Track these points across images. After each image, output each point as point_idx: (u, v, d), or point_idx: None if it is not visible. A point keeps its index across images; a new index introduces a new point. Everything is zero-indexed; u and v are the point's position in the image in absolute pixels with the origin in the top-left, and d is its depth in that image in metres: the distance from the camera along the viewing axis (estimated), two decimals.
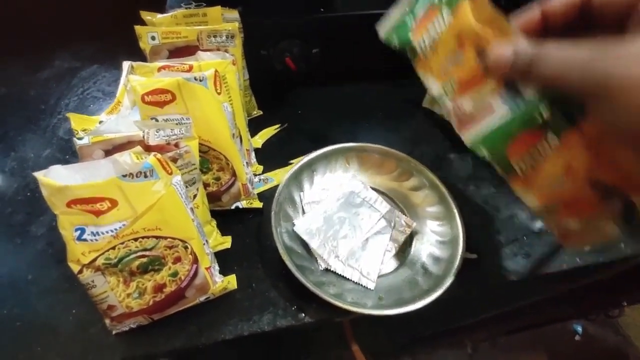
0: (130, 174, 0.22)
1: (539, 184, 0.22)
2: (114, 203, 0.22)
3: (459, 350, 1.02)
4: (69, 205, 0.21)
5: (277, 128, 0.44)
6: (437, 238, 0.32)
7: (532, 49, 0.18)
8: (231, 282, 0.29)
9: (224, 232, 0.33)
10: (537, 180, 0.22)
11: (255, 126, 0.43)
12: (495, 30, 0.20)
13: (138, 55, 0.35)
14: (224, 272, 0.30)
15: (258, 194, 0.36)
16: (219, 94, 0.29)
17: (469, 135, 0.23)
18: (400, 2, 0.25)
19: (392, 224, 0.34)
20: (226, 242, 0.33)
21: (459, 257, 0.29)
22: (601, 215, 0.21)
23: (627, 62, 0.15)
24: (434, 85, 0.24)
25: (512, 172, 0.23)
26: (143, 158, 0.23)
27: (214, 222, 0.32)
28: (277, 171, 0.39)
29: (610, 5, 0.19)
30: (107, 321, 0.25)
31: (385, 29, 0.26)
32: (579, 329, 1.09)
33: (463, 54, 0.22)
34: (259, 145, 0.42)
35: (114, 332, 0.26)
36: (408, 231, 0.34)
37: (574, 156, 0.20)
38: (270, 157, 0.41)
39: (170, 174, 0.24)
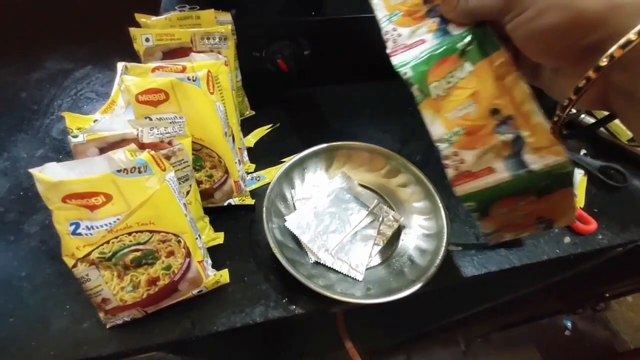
0: (125, 169, 0.22)
1: (447, 107, 0.24)
2: (108, 198, 0.22)
3: (453, 347, 1.04)
4: (64, 200, 0.22)
5: (269, 127, 0.45)
6: (423, 231, 0.34)
7: None
8: (224, 276, 0.30)
9: (216, 228, 0.34)
10: (446, 105, 0.24)
11: (248, 126, 0.44)
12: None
13: (131, 56, 0.36)
14: (216, 266, 0.31)
15: (250, 191, 0.37)
16: (211, 93, 0.30)
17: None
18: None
19: (380, 219, 0.35)
20: (219, 238, 0.33)
21: (443, 249, 0.30)
22: (493, 147, 0.23)
23: None
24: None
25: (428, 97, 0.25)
26: (137, 155, 0.24)
27: (207, 219, 0.33)
28: (269, 169, 0.40)
29: None
30: (102, 314, 0.26)
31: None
32: (569, 324, 1.11)
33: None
34: (252, 144, 0.43)
35: (108, 326, 0.27)
36: (395, 225, 0.35)
37: (482, 83, 0.23)
38: (263, 155, 0.42)
39: (164, 170, 0.25)
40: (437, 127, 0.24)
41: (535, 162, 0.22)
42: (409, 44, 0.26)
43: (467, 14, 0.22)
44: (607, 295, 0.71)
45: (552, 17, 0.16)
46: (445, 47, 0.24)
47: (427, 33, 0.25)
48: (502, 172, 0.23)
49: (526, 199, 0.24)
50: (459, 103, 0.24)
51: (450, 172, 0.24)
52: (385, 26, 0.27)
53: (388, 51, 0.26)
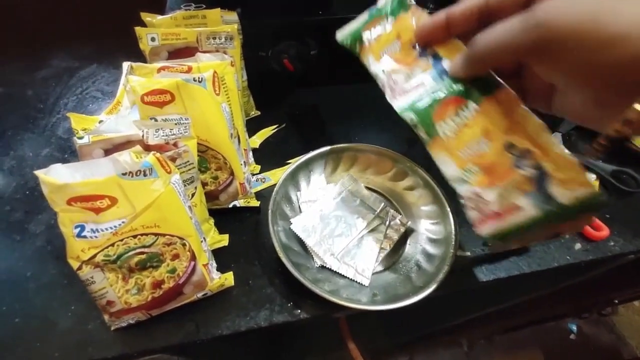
0: (130, 172, 0.22)
1: (458, 146, 0.24)
2: (113, 201, 0.22)
3: (456, 348, 1.03)
4: (69, 202, 0.21)
5: (275, 128, 0.45)
6: (430, 236, 0.33)
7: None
8: (228, 279, 0.30)
9: (221, 231, 0.34)
10: (456, 143, 0.24)
11: (253, 126, 0.44)
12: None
13: (137, 55, 0.36)
14: (221, 269, 0.30)
15: (255, 193, 0.37)
16: (217, 94, 0.29)
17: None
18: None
19: (387, 223, 0.34)
20: (224, 240, 0.33)
21: (451, 254, 0.30)
22: (514, 182, 0.22)
23: (555, 5, 0.16)
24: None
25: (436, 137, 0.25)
26: (142, 157, 0.24)
27: (211, 221, 0.33)
28: (274, 171, 0.40)
29: (506, 6, 0.20)
30: (106, 317, 0.26)
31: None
32: (574, 327, 1.10)
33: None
34: (257, 145, 0.43)
35: (112, 328, 0.27)
36: (402, 230, 0.34)
37: (492, 120, 0.23)
38: (268, 157, 0.41)
39: (169, 172, 0.24)
40: (449, 167, 0.24)
41: (564, 195, 0.20)
42: (408, 89, 0.26)
43: (478, 61, 0.21)
44: (616, 301, 0.70)
45: (620, 52, 0.15)
46: (445, 89, 0.24)
47: (422, 73, 0.26)
48: (530, 209, 0.21)
49: (551, 226, 0.23)
50: (470, 141, 0.23)
51: (472, 214, 0.23)
52: (380, 77, 0.28)
53: (387, 98, 0.27)
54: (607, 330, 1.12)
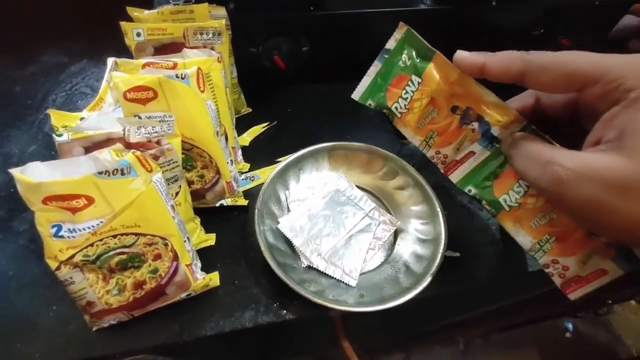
0: (107, 171, 0.22)
1: (528, 217, 0.25)
2: (90, 200, 0.22)
3: (452, 347, 1.03)
4: (44, 202, 0.21)
5: (266, 126, 0.44)
6: (419, 236, 0.33)
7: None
8: (213, 279, 0.29)
9: (208, 230, 0.33)
10: (526, 214, 0.25)
11: (244, 124, 0.43)
12: (462, 88, 0.26)
13: (127, 51, 0.35)
14: (207, 269, 0.30)
15: (245, 191, 0.36)
16: (202, 91, 0.29)
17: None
18: (369, 73, 0.29)
19: (376, 223, 0.34)
20: (210, 240, 0.33)
21: (439, 255, 0.29)
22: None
23: (576, 183, 0.17)
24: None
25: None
26: (123, 155, 0.23)
27: (197, 220, 0.32)
28: (264, 169, 0.39)
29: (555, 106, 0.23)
30: (87, 317, 0.25)
31: (360, 94, 0.30)
32: (570, 326, 1.10)
33: (437, 112, 0.27)
34: (247, 143, 0.42)
35: (94, 329, 0.26)
36: (392, 229, 0.34)
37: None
38: (258, 155, 0.41)
39: (150, 171, 0.24)
40: (523, 238, 0.25)
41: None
42: (459, 159, 0.27)
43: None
44: (610, 301, 0.70)
45: None
46: (498, 161, 0.26)
47: (472, 144, 0.26)
48: (616, 271, 0.22)
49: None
50: (537, 211, 0.24)
51: (556, 280, 0.25)
52: (427, 152, 0.29)
53: (442, 172, 0.29)
54: (604, 329, 1.12)
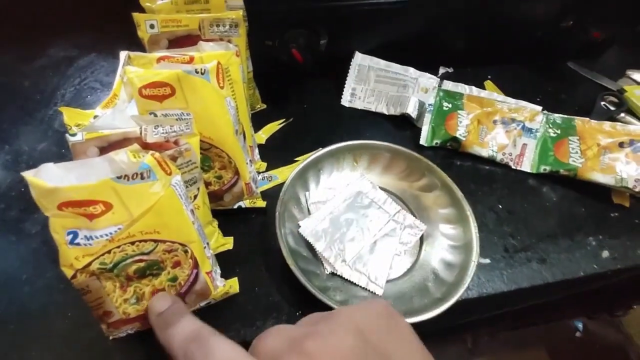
0: (126, 175, 0.20)
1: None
2: (108, 206, 0.20)
3: (459, 345, 1.02)
4: (59, 207, 0.20)
5: (282, 123, 0.42)
6: (449, 242, 0.31)
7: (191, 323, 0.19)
8: (233, 286, 0.28)
9: (225, 233, 0.32)
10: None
11: (258, 121, 0.42)
12: (491, 107, 0.41)
13: (137, 44, 0.33)
14: (225, 274, 0.29)
15: (261, 192, 0.35)
16: (221, 87, 0.27)
17: None
18: (425, 123, 0.41)
19: (401, 227, 0.32)
20: (228, 244, 0.31)
21: (472, 263, 0.28)
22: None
23: None
24: (482, 152, 0.39)
25: None
26: (140, 157, 0.22)
27: (215, 223, 0.31)
28: (281, 169, 0.38)
29: None
30: (104, 327, 0.24)
31: (425, 140, 0.40)
32: (580, 325, 1.08)
33: (486, 128, 0.39)
34: (263, 141, 0.40)
35: (110, 338, 0.25)
36: (418, 234, 0.32)
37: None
38: (274, 153, 0.39)
39: (170, 174, 0.22)
40: (606, 178, 0.36)
41: None
42: (520, 153, 0.39)
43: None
44: (635, 307, 0.68)
45: None
46: (546, 136, 0.39)
47: (521, 139, 0.39)
48: None
49: None
50: (598, 154, 0.36)
51: None
52: (497, 158, 0.39)
53: (514, 167, 0.39)
54: (614, 329, 1.10)
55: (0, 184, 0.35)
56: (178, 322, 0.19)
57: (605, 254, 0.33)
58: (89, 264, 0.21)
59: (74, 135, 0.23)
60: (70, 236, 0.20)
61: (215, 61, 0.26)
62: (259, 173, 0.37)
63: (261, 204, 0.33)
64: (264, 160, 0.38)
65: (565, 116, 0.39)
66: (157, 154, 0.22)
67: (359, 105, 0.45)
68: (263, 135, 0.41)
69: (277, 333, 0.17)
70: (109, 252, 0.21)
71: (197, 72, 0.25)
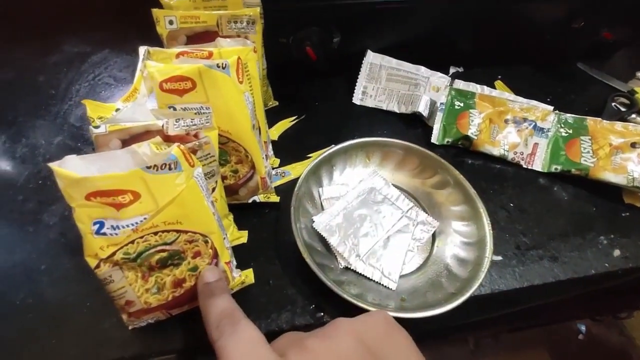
0: (155, 165, 0.21)
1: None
2: (136, 196, 0.20)
3: (462, 346, 1.02)
4: (87, 197, 0.20)
5: (294, 120, 0.43)
6: (461, 239, 0.31)
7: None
8: (249, 276, 0.28)
9: (240, 227, 0.32)
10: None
11: (271, 118, 0.42)
12: (503, 106, 0.41)
13: (150, 40, 0.33)
14: (240, 267, 0.29)
15: (274, 187, 0.35)
16: (240, 82, 0.27)
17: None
18: (436, 121, 0.41)
19: (414, 223, 0.33)
20: (242, 237, 0.32)
21: (486, 259, 0.28)
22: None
23: None
24: (493, 150, 0.39)
25: None
26: (162, 149, 0.22)
27: (231, 216, 0.31)
28: (294, 164, 0.38)
29: None
30: (125, 317, 0.24)
31: (437, 139, 0.40)
32: (583, 328, 1.08)
33: (498, 127, 0.40)
34: (275, 138, 0.41)
35: (130, 327, 0.25)
36: (432, 231, 0.32)
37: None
38: (287, 150, 0.39)
39: (192, 166, 0.23)
40: (618, 178, 0.36)
41: None
42: (531, 152, 0.39)
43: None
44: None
45: None
46: (557, 136, 0.39)
47: (532, 138, 0.39)
48: None
49: None
50: (610, 154, 0.37)
51: None
52: (508, 157, 0.39)
53: (525, 166, 0.39)
54: (617, 331, 1.10)
55: (18, 176, 0.35)
56: (219, 296, 0.21)
57: (617, 252, 0.34)
58: (113, 253, 0.22)
59: (97, 127, 0.24)
60: (97, 226, 0.21)
61: (236, 56, 0.26)
62: (272, 169, 0.37)
63: (275, 198, 0.34)
64: (277, 157, 0.39)
65: (577, 116, 0.39)
66: (182, 146, 0.22)
67: (370, 103, 0.45)
68: (275, 132, 0.41)
69: (288, 335, 0.19)
70: (132, 242, 0.22)
71: (218, 67, 0.26)
